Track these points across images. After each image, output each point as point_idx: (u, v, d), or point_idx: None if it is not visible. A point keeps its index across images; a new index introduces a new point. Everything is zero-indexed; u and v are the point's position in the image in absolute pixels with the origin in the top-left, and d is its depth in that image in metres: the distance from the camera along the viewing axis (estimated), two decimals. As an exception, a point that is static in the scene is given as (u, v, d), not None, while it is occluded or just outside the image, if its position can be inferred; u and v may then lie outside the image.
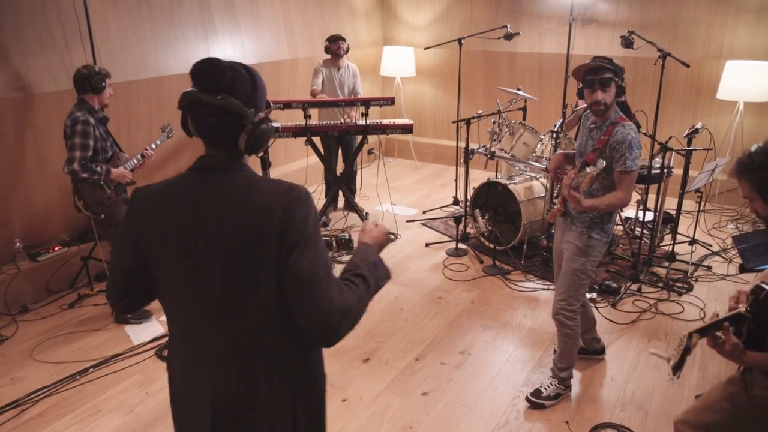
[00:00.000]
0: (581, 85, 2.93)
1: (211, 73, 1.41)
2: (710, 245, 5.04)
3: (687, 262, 4.66)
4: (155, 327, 3.92)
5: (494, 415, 3.10)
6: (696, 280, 4.47)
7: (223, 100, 1.40)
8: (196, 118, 1.45)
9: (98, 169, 3.62)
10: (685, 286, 4.37)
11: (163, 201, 1.47)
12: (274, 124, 1.53)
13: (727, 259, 4.81)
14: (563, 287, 3.08)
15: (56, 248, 4.35)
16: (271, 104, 3.73)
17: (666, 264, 4.50)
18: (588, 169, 2.73)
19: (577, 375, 3.40)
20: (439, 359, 3.58)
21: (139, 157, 3.95)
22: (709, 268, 4.68)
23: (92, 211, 3.69)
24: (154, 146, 4.07)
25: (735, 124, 5.63)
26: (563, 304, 3.09)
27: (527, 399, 3.19)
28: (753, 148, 1.90)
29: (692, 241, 4.88)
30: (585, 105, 3.21)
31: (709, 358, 3.50)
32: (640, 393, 3.26)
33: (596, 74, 2.83)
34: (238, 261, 1.40)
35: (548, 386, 3.20)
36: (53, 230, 4.47)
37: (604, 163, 2.77)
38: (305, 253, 1.39)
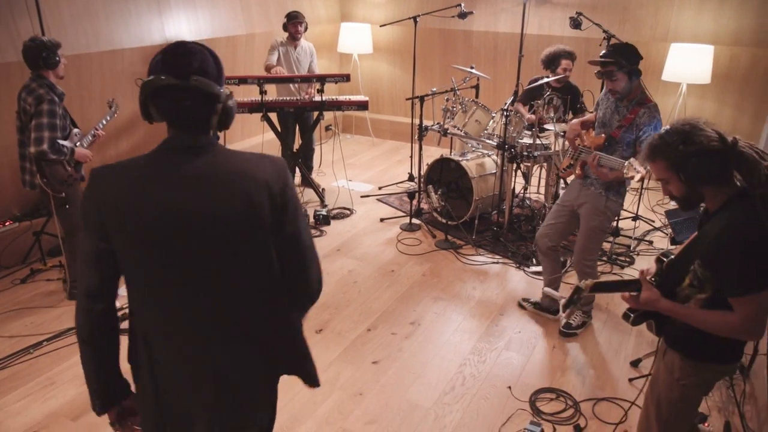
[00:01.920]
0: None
1: (186, 58, 1.42)
2: (653, 221, 5.28)
3: (630, 237, 4.89)
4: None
5: (441, 381, 3.25)
6: (638, 254, 4.69)
7: (199, 82, 1.42)
8: (170, 102, 1.44)
9: (64, 149, 3.57)
10: (627, 259, 4.59)
11: (139, 182, 1.45)
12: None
13: (667, 235, 5.05)
14: (582, 243, 3.48)
15: (7, 223, 4.29)
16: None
17: (610, 239, 4.70)
18: (638, 168, 2.95)
19: (521, 344, 3.58)
20: (390, 329, 3.71)
21: (90, 137, 3.89)
22: (651, 242, 4.91)
23: (53, 188, 3.64)
24: (102, 123, 4.01)
25: (678, 105, 5.86)
26: (582, 258, 3.50)
27: (560, 332, 3.64)
28: (663, 130, 1.98)
29: (636, 217, 5.10)
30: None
31: (644, 327, 3.71)
32: (580, 360, 3.45)
33: (602, 67, 3.16)
34: (236, 232, 1.47)
35: (575, 318, 3.65)
36: (3, 205, 4.40)
37: (649, 173, 2.92)
38: (301, 219, 1.58)
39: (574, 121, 3.60)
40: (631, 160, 3.04)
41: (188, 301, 1.51)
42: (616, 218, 4.69)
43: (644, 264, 4.52)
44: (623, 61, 3.10)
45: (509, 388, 3.20)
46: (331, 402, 3.06)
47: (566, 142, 4.51)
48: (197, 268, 1.48)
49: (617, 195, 3.38)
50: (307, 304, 1.72)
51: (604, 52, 3.21)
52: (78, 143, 3.76)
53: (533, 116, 4.59)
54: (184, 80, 1.41)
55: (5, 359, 3.33)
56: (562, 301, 2.16)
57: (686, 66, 5.60)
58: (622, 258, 4.60)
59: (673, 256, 2.06)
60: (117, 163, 1.49)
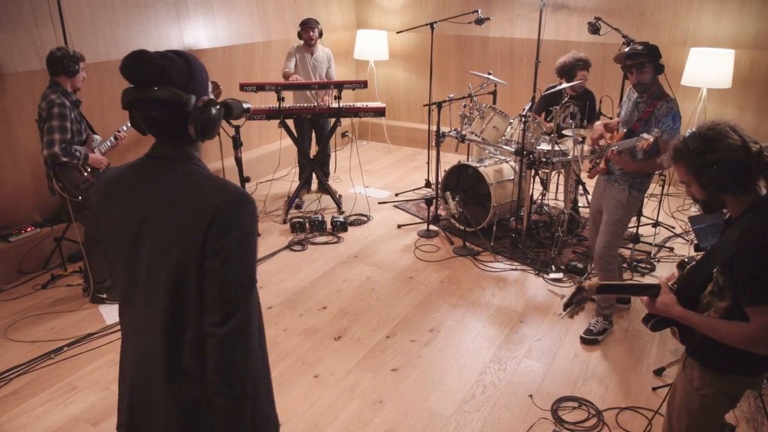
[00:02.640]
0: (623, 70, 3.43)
1: (138, 67, 1.37)
2: (673, 227, 5.21)
3: (650, 244, 4.83)
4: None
5: (461, 389, 3.22)
6: (658, 261, 4.64)
7: (159, 91, 1.37)
8: (139, 114, 1.43)
9: (77, 153, 3.62)
10: (648, 266, 4.53)
11: (115, 185, 1.51)
12: (245, 105, 1.56)
13: (688, 241, 4.99)
14: (605, 235, 3.57)
15: (29, 229, 4.34)
16: (219, 86, 3.76)
17: (630, 245, 4.65)
18: (645, 136, 3.18)
19: (542, 352, 3.54)
20: (409, 337, 3.69)
21: (112, 139, 3.96)
22: (671, 249, 4.85)
23: (69, 193, 3.70)
24: (125, 128, 4.08)
25: (698, 110, 5.80)
26: (605, 249, 3.57)
27: (582, 339, 3.63)
28: (687, 133, 1.96)
29: (656, 224, 5.05)
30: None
31: (667, 334, 3.66)
32: (602, 368, 3.40)
33: (633, 59, 3.27)
34: (164, 251, 1.42)
35: (596, 324, 3.68)
36: (25, 211, 4.46)
37: (659, 132, 3.22)
38: (229, 260, 1.38)
39: (598, 123, 3.71)
40: (642, 134, 3.21)
41: (132, 310, 1.53)
42: (637, 224, 4.65)
43: (665, 271, 4.46)
44: (652, 55, 3.27)
45: (530, 396, 3.16)
46: (350, 410, 3.04)
47: (585, 147, 4.51)
48: (137, 278, 1.48)
49: (639, 191, 3.52)
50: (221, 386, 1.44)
51: (633, 46, 3.33)
52: (96, 149, 3.80)
53: (551, 125, 4.56)
54: (142, 91, 1.38)
55: (27, 364, 3.36)
56: (563, 300, 2.14)
57: (706, 70, 5.54)
58: (643, 265, 4.54)
59: (694, 263, 2.04)
60: (120, 166, 1.54)
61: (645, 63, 3.26)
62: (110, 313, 3.88)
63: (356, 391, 3.19)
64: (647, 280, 4.36)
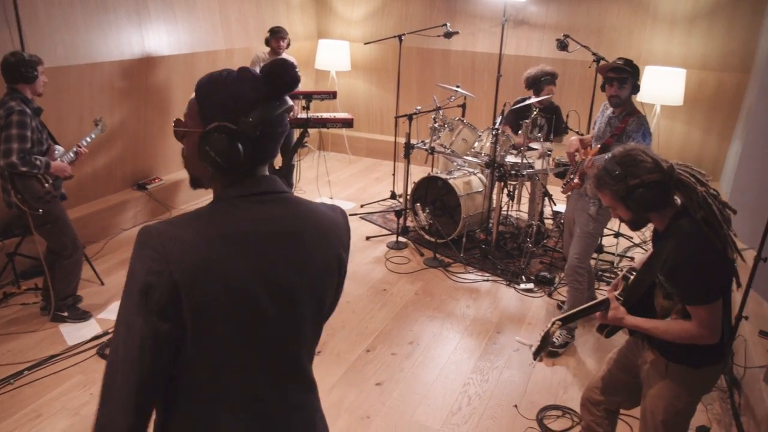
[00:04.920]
0: (604, 81, 3.47)
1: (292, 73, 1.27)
2: (632, 237, 5.39)
3: (613, 254, 4.98)
4: (92, 326, 3.76)
5: (447, 402, 3.21)
6: (622, 270, 4.76)
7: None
8: (280, 129, 1.29)
9: (37, 162, 3.41)
10: (612, 276, 4.66)
11: (223, 243, 1.17)
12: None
13: (647, 251, 5.15)
14: (577, 248, 3.65)
15: (-23, 244, 4.07)
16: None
17: (594, 256, 4.77)
18: None
19: (521, 362, 3.58)
20: (390, 350, 3.66)
21: (71, 154, 3.72)
22: (632, 258, 5.01)
23: (29, 206, 3.47)
24: (87, 141, 3.86)
25: (653, 125, 6.03)
26: (576, 261, 3.64)
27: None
28: (605, 161, 2.14)
29: (617, 234, 5.21)
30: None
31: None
32: (581, 376, 3.46)
33: (617, 73, 3.34)
34: (321, 294, 1.31)
35: (558, 336, 3.68)
36: (-25, 224, 4.17)
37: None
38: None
39: (574, 138, 3.77)
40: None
41: (262, 386, 1.27)
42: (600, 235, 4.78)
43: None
44: (635, 72, 3.39)
45: (515, 406, 3.19)
46: (339, 426, 2.98)
47: (552, 161, 4.61)
48: (285, 340, 1.29)
49: None
50: None
51: (621, 60, 3.40)
52: (59, 160, 3.60)
53: (521, 139, 4.64)
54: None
55: (-14, 389, 3.13)
56: (533, 348, 2.29)
57: (660, 88, 5.79)
58: (608, 275, 4.67)
59: (635, 274, 2.22)
60: (179, 220, 1.19)
61: (627, 79, 3.36)
62: (72, 333, 3.67)
63: (342, 407, 3.12)
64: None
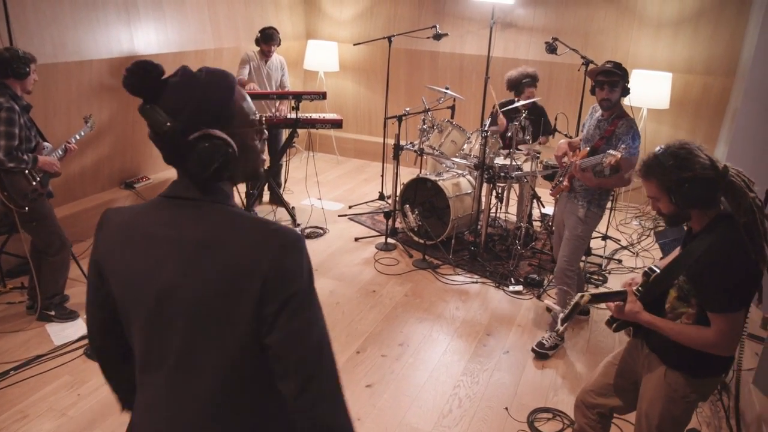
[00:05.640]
0: (594, 84, 3.46)
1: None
2: (619, 240, 5.44)
3: (601, 256, 5.02)
4: (79, 325, 3.71)
5: (437, 404, 3.21)
6: (609, 273, 4.82)
7: (147, 110, 1.20)
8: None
9: (24, 157, 3.37)
10: (601, 278, 4.70)
11: (130, 233, 1.22)
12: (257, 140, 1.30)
13: (634, 253, 5.22)
14: (566, 250, 3.66)
15: (-38, 243, 4.01)
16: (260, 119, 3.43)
17: (582, 258, 4.81)
18: (612, 152, 3.18)
19: (511, 364, 3.59)
20: (380, 351, 3.65)
21: (60, 152, 3.68)
22: (620, 261, 5.06)
23: (15, 203, 3.42)
24: (76, 138, 3.83)
25: (640, 128, 6.07)
26: (566, 264, 3.65)
27: (533, 350, 3.67)
28: (658, 150, 2.05)
29: (604, 237, 5.25)
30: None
31: (625, 341, 3.80)
32: (570, 378, 3.48)
33: (607, 76, 3.34)
34: (204, 315, 1.15)
35: (548, 339, 3.70)
36: (-42, 223, 4.10)
37: (625, 149, 3.29)
38: (297, 315, 1.14)
39: (563, 141, 3.77)
40: (608, 151, 3.25)
41: (156, 385, 1.24)
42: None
43: (616, 282, 4.64)
44: (625, 76, 3.40)
45: (506, 409, 3.19)
46: (330, 428, 2.97)
47: (540, 163, 4.63)
48: (163, 349, 1.21)
49: (598, 207, 3.62)
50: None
51: (610, 63, 3.40)
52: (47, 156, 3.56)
53: (504, 119, 4.68)
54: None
55: (-29, 391, 3.08)
56: (561, 315, 2.26)
57: (647, 91, 5.84)
58: (596, 277, 4.70)
59: (658, 272, 2.16)
60: (131, 207, 1.29)
61: (618, 82, 3.37)
62: (58, 332, 3.62)
63: (333, 409, 3.11)
64: (601, 290, 4.51)
